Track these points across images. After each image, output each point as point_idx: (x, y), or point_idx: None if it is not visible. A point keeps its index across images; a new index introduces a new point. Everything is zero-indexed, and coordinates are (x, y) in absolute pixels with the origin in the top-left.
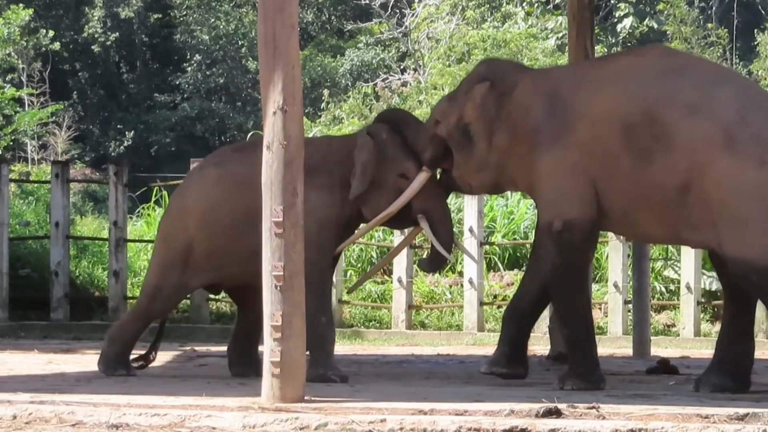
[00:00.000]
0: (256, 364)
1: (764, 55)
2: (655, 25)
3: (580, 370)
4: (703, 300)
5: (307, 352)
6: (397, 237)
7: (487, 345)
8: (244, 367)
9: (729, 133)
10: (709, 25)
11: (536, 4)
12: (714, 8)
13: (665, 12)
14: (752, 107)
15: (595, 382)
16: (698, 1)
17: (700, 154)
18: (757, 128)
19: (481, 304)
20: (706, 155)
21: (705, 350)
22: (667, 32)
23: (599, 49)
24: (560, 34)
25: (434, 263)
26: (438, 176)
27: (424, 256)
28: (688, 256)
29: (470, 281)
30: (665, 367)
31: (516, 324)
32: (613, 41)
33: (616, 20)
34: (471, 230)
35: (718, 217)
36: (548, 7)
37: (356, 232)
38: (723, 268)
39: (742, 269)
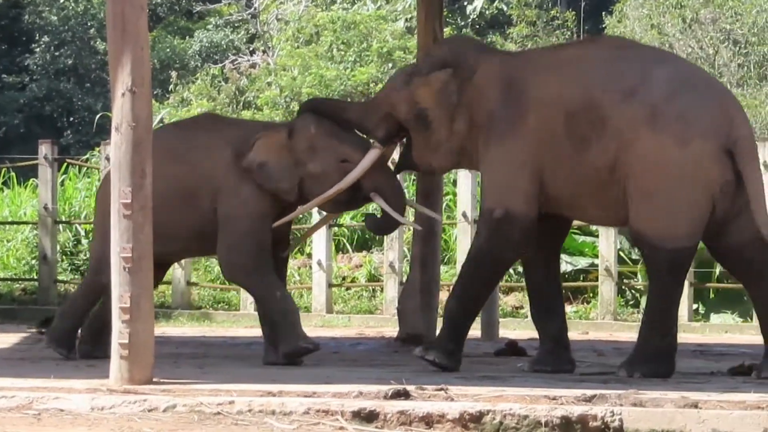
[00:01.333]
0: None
1: None
2: (505, 8)
3: (449, 347)
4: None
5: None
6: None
7: (336, 327)
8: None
9: (655, 110)
10: (554, 11)
11: None
12: None
13: None
14: (684, 87)
15: (456, 361)
16: None
17: (627, 132)
18: (683, 107)
19: (330, 285)
20: (632, 133)
21: None
22: (512, 16)
23: (448, 31)
24: (409, 16)
25: (383, 227)
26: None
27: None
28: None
29: (319, 263)
30: (513, 348)
31: (548, 319)
32: (463, 24)
33: (465, 2)
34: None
35: (633, 188)
36: None
37: (298, 208)
38: (725, 256)
39: (638, 242)
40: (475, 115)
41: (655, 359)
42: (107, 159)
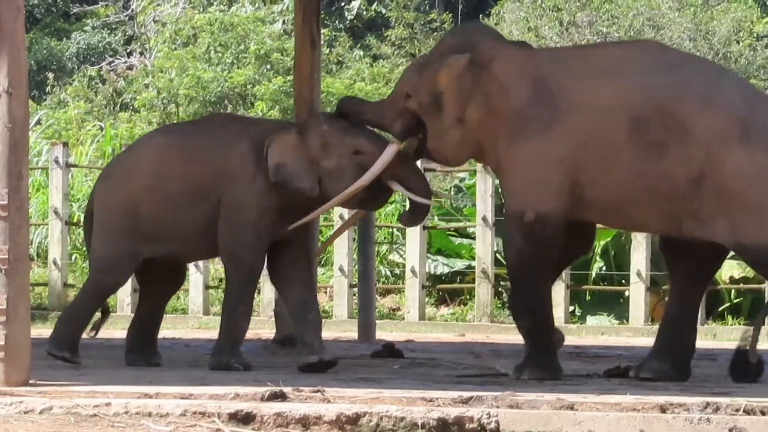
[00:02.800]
0: (154, 353)
1: None
2: (383, 10)
3: (539, 360)
4: (428, 284)
5: None
6: None
7: (213, 329)
8: (142, 354)
9: (743, 122)
10: (434, 12)
11: None
12: None
13: None
14: (757, 99)
15: (554, 372)
16: None
17: (715, 144)
18: (766, 119)
19: (207, 287)
20: (721, 145)
21: (429, 334)
22: (390, 18)
23: (326, 34)
24: (287, 18)
25: (415, 215)
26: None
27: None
28: (413, 240)
29: (196, 265)
30: (390, 350)
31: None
32: (341, 26)
33: (343, 4)
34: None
35: (730, 203)
36: None
37: (317, 210)
38: (677, 257)
39: (761, 255)
40: (493, 108)
41: None
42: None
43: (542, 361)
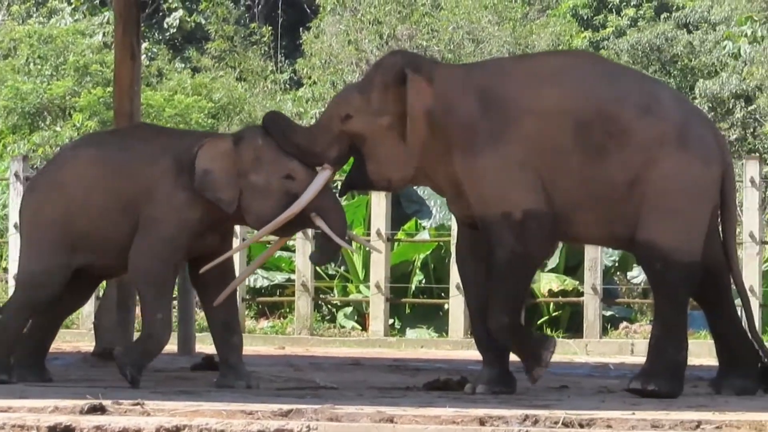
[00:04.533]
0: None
1: (309, 53)
2: (203, 21)
3: (535, 349)
4: (248, 297)
5: None
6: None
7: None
8: (32, 369)
9: (680, 130)
10: (254, 25)
11: (83, 0)
12: (260, 6)
13: (208, 10)
14: (691, 111)
15: (549, 354)
16: (244, 0)
17: (654, 150)
18: (700, 130)
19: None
20: (659, 151)
21: (249, 347)
22: (210, 31)
23: (147, 47)
24: (108, 30)
25: (326, 254)
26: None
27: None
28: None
29: (15, 276)
30: (210, 363)
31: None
32: (161, 38)
33: (161, 15)
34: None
35: (655, 204)
36: (95, 2)
37: (248, 239)
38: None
39: (650, 255)
40: (441, 126)
41: (670, 374)
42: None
43: (534, 351)
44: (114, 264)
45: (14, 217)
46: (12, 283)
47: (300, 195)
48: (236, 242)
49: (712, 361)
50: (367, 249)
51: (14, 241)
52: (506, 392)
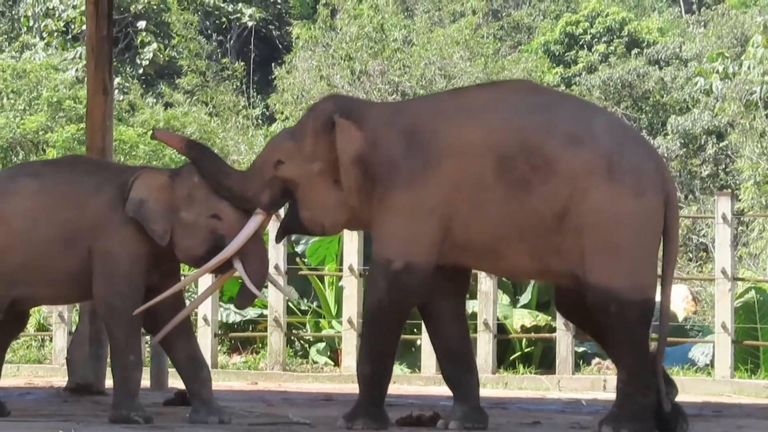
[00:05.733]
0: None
1: (281, 88)
2: (176, 55)
3: (372, 411)
4: (220, 332)
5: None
6: None
7: (4, 377)
8: None
9: (609, 160)
10: (226, 60)
11: (55, 34)
12: (232, 42)
13: (180, 45)
14: (627, 139)
15: (383, 422)
16: (216, 35)
17: (581, 180)
18: (633, 159)
19: (70, 332)
20: (586, 181)
21: (222, 382)
22: (183, 66)
23: (119, 81)
24: (81, 65)
25: (243, 298)
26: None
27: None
28: (205, 288)
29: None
30: (182, 398)
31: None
32: (134, 72)
33: (135, 48)
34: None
35: (590, 240)
36: (68, 37)
37: (183, 279)
38: (570, 305)
39: (604, 298)
40: (368, 166)
41: (640, 416)
42: None
43: (373, 412)
44: (60, 295)
45: None
46: None
47: (225, 236)
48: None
49: (685, 396)
50: (285, 295)
51: None
52: (478, 428)
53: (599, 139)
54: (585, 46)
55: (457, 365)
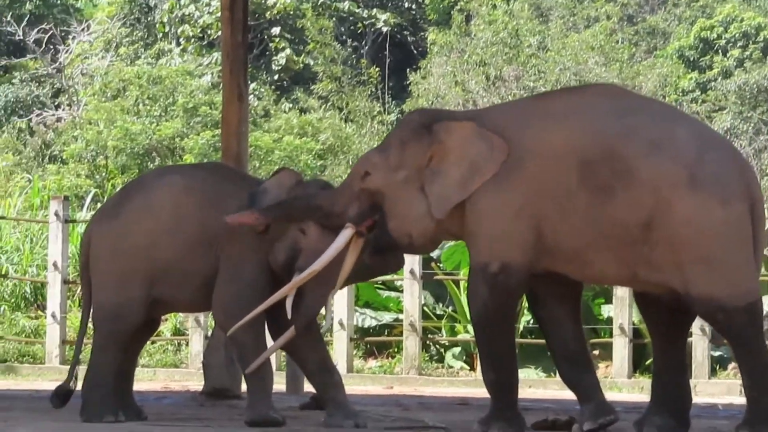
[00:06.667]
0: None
1: (416, 94)
2: (311, 62)
3: (507, 415)
4: (356, 336)
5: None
6: None
7: (141, 380)
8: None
9: (691, 170)
10: (362, 62)
11: (191, 40)
12: (367, 47)
13: (315, 51)
14: (710, 146)
15: (519, 427)
16: (351, 41)
17: (664, 190)
18: (716, 167)
19: (206, 337)
20: (669, 191)
21: (357, 386)
22: (318, 72)
23: (254, 87)
24: (216, 71)
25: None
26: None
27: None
28: (341, 293)
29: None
30: (318, 403)
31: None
32: (268, 78)
33: (270, 54)
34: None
35: (682, 253)
36: (203, 43)
37: (281, 290)
38: (651, 306)
39: (709, 308)
40: None
41: None
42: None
43: (509, 416)
44: (191, 300)
45: None
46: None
47: (303, 250)
48: None
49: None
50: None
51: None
52: (612, 421)
53: (681, 147)
54: (720, 51)
55: (575, 365)
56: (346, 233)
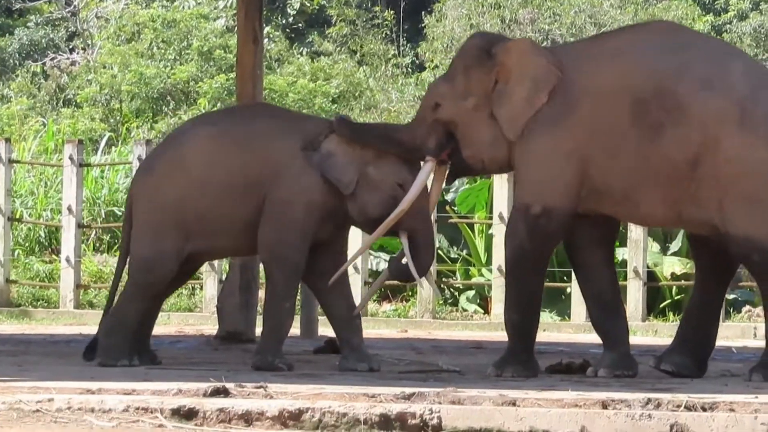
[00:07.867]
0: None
1: (431, 37)
2: (326, 5)
3: (522, 358)
4: (370, 280)
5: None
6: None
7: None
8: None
9: (742, 108)
10: (376, 8)
11: None
12: None
13: None
14: (763, 84)
15: (533, 370)
16: None
17: (712, 128)
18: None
19: (220, 281)
20: (718, 129)
21: (371, 330)
22: (332, 15)
23: (269, 30)
24: (230, 14)
25: (398, 274)
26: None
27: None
28: (354, 237)
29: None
30: (332, 347)
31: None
32: (283, 22)
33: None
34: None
35: (727, 192)
36: None
37: (362, 245)
38: (703, 249)
39: (745, 248)
40: None
41: None
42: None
43: (523, 359)
44: (235, 246)
45: None
46: None
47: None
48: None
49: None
50: (437, 296)
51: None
52: (628, 375)
53: (733, 85)
54: None
55: (606, 311)
56: (427, 167)
